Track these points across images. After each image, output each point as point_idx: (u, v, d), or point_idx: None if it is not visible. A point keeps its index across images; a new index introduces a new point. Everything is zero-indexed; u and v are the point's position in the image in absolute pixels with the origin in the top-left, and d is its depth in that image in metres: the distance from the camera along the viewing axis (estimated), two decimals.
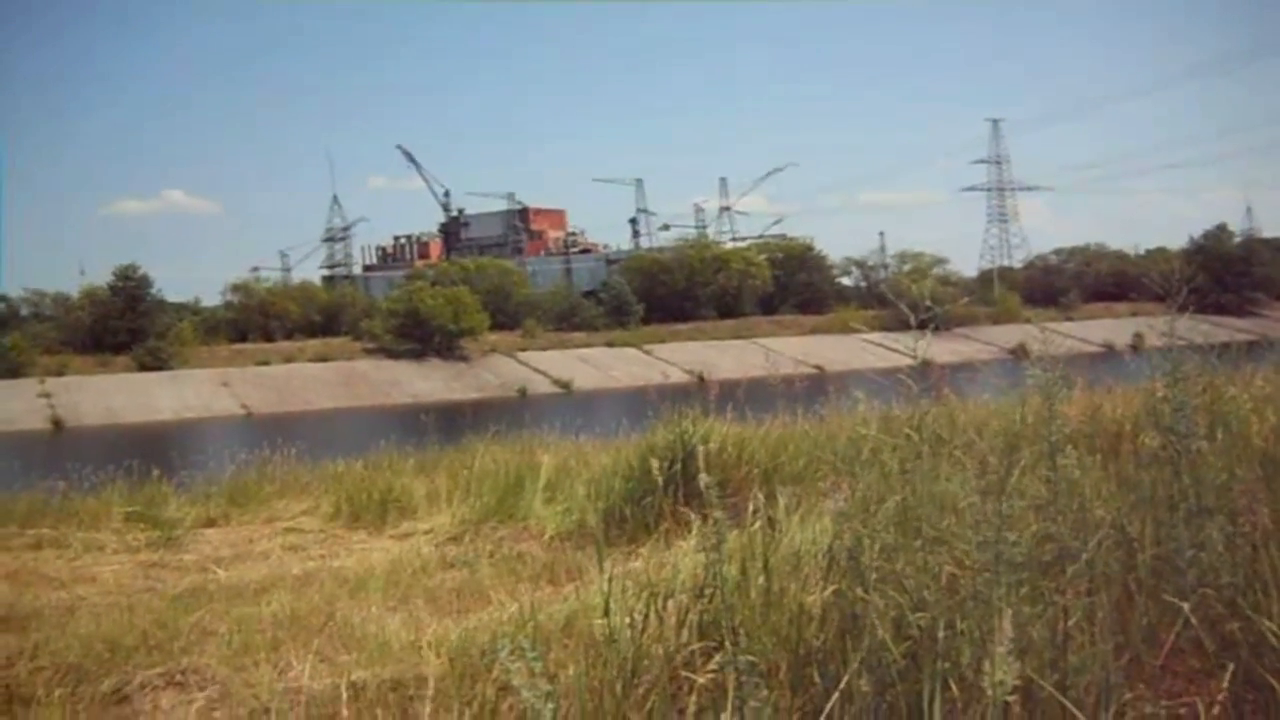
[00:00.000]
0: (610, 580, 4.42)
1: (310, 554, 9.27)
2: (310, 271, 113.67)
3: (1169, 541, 4.08)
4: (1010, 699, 2.77)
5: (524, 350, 72.22)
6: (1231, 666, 3.46)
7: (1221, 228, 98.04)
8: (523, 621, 5.20)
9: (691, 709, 3.70)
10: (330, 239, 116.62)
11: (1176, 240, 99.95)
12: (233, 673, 5.53)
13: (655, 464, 7.77)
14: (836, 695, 3.47)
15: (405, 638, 5.90)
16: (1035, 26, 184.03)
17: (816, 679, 3.71)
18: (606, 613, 4.27)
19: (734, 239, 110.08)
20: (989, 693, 2.66)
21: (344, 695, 4.82)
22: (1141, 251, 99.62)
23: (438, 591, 7.20)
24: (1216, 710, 3.34)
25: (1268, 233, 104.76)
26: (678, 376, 56.26)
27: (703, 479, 3.56)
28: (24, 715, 5.14)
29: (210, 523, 10.73)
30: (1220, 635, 3.74)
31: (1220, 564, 3.90)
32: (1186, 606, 3.63)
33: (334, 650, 5.85)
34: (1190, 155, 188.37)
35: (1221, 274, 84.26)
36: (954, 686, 3.33)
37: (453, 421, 21.24)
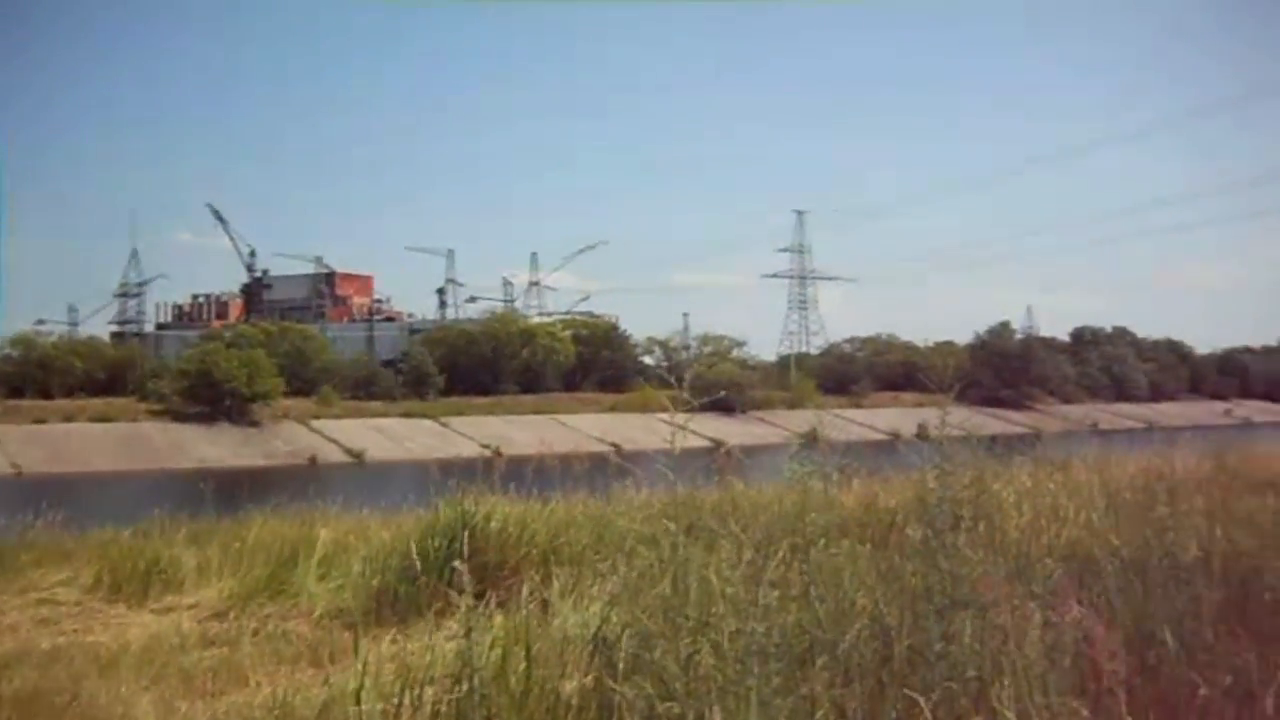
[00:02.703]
0: (366, 665, 4.26)
1: (63, 628, 8.71)
2: (101, 327, 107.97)
3: (921, 633, 4.16)
4: None
5: (318, 418, 70.38)
6: None
7: (1004, 325, 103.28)
8: (275, 707, 4.96)
9: None
10: (124, 294, 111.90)
11: (963, 335, 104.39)
12: None
13: (430, 542, 7.60)
14: None
15: None
16: (838, 127, 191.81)
17: None
18: (359, 700, 4.11)
19: (541, 314, 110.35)
20: None
21: None
22: (930, 344, 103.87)
23: (194, 671, 6.82)
24: None
25: (1045, 332, 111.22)
26: (472, 450, 55.75)
27: (458, 565, 3.47)
28: None
29: None
30: None
31: (968, 657, 3.99)
32: (924, 701, 3.68)
33: None
34: (982, 255, 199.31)
35: (1002, 369, 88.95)
36: None
37: (237, 489, 20.51)
